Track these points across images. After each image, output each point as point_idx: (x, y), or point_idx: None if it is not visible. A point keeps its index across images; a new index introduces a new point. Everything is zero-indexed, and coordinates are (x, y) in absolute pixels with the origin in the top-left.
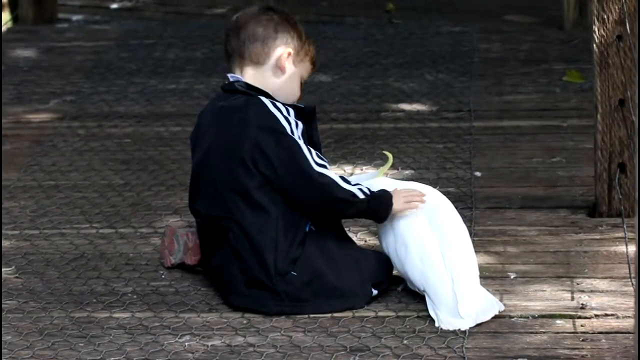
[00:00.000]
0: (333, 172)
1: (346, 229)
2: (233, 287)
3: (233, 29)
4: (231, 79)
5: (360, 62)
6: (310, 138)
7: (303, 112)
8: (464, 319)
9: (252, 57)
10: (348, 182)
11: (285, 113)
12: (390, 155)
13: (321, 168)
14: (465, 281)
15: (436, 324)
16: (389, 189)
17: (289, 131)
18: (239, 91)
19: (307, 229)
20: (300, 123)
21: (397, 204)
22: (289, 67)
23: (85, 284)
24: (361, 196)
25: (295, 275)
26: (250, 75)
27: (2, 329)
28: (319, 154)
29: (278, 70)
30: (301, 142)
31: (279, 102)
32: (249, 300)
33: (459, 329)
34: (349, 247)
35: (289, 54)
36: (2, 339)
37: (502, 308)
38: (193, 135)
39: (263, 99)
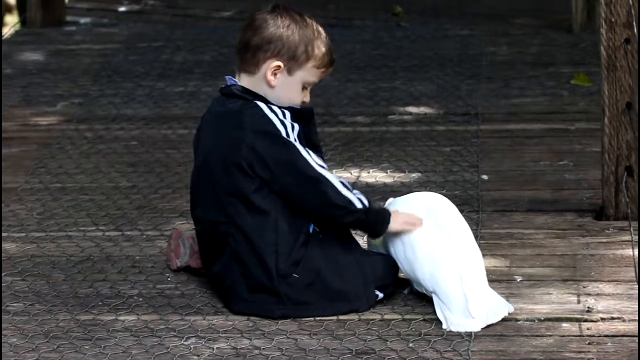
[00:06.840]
0: (333, 176)
1: (353, 232)
2: (235, 293)
3: (241, 29)
4: (229, 82)
5: (368, 64)
6: (310, 141)
7: (300, 113)
8: (474, 319)
9: (244, 66)
10: (348, 189)
11: (281, 116)
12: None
13: (322, 169)
14: (474, 282)
15: (444, 326)
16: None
17: (284, 134)
18: (235, 95)
19: (310, 230)
20: (296, 125)
21: (394, 224)
22: (278, 80)
23: (91, 287)
24: (359, 205)
25: (297, 278)
26: (245, 82)
27: (8, 331)
28: (318, 156)
29: (267, 83)
30: (297, 144)
31: (274, 105)
32: (251, 305)
33: (468, 331)
34: (353, 249)
35: (277, 67)
36: (8, 342)
37: (512, 309)
38: (195, 140)
39: (259, 103)
